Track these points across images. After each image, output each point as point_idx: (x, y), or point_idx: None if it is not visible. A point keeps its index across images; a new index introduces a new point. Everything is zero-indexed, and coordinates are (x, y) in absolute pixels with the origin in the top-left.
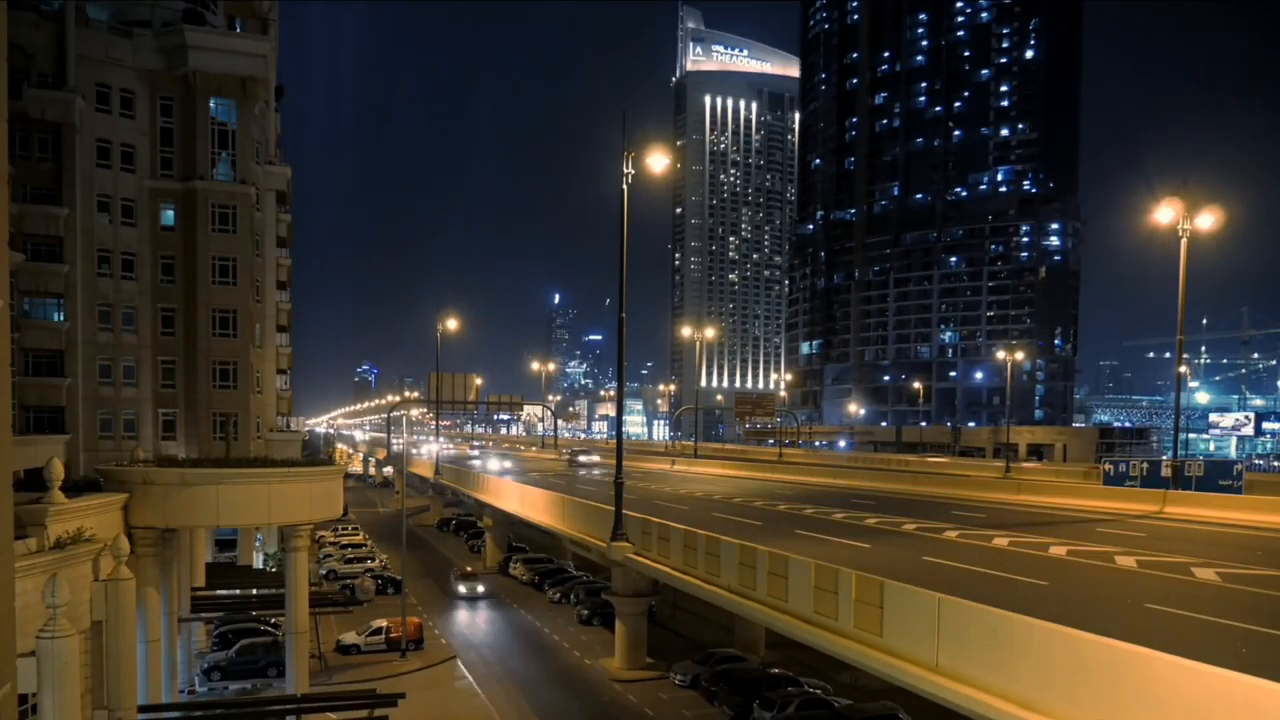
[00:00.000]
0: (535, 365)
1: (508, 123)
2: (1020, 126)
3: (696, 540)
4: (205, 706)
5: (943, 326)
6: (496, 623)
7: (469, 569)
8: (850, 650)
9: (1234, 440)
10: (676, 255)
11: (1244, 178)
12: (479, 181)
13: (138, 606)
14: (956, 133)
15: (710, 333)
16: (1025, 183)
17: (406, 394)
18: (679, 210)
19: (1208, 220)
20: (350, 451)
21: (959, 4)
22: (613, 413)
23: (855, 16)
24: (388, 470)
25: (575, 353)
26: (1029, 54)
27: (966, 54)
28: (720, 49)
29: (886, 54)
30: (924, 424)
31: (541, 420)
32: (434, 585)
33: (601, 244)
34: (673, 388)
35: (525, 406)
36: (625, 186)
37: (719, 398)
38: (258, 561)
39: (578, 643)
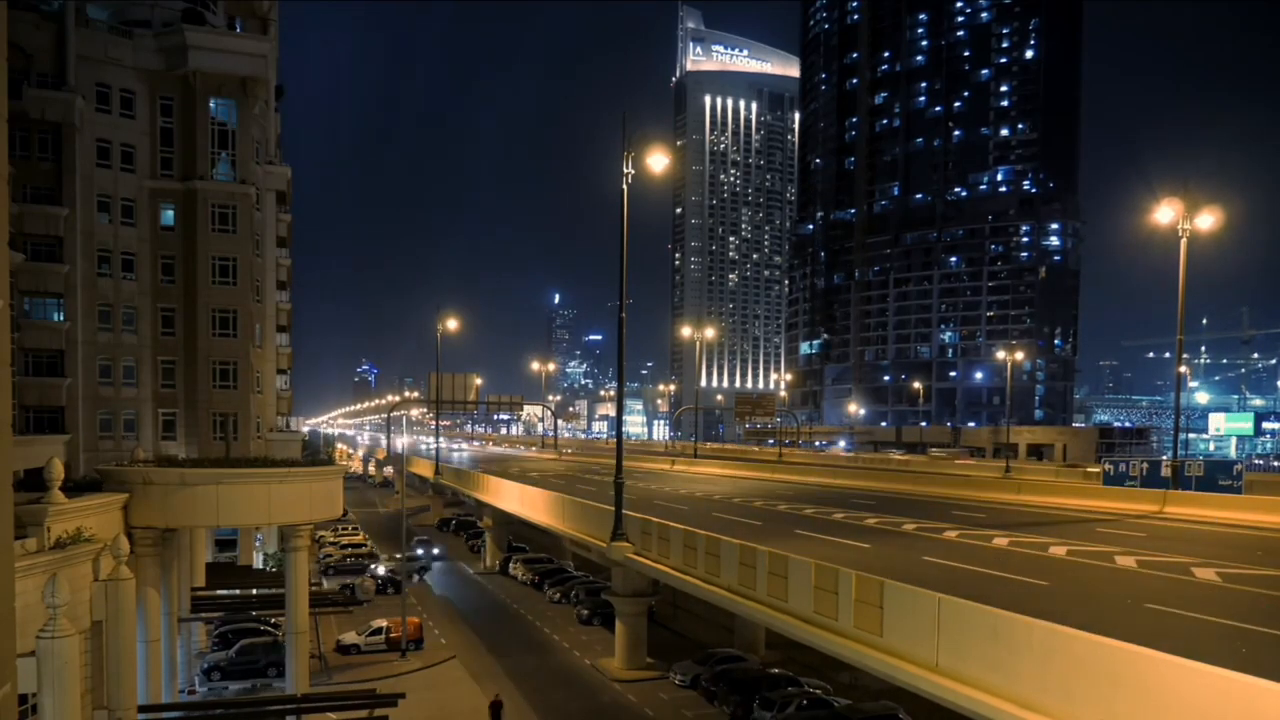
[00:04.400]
0: (535, 365)
1: (508, 122)
2: (1020, 126)
3: (696, 540)
4: (205, 706)
5: (943, 326)
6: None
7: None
8: (850, 650)
9: (1234, 440)
10: (676, 255)
11: (1244, 177)
12: (479, 181)
13: (138, 606)
14: (956, 133)
15: (710, 333)
16: (1025, 183)
17: (406, 394)
18: (679, 210)
19: (1207, 220)
20: (350, 451)
21: (959, 4)
22: (613, 413)
23: (855, 16)
24: (388, 470)
25: (575, 353)
26: (1029, 54)
27: (966, 54)
28: (720, 49)
29: (886, 54)
30: (924, 424)
31: (541, 420)
32: (434, 585)
33: (602, 244)
34: (673, 388)
35: (525, 406)
36: (625, 186)
37: (719, 398)
38: (258, 561)
39: (578, 643)
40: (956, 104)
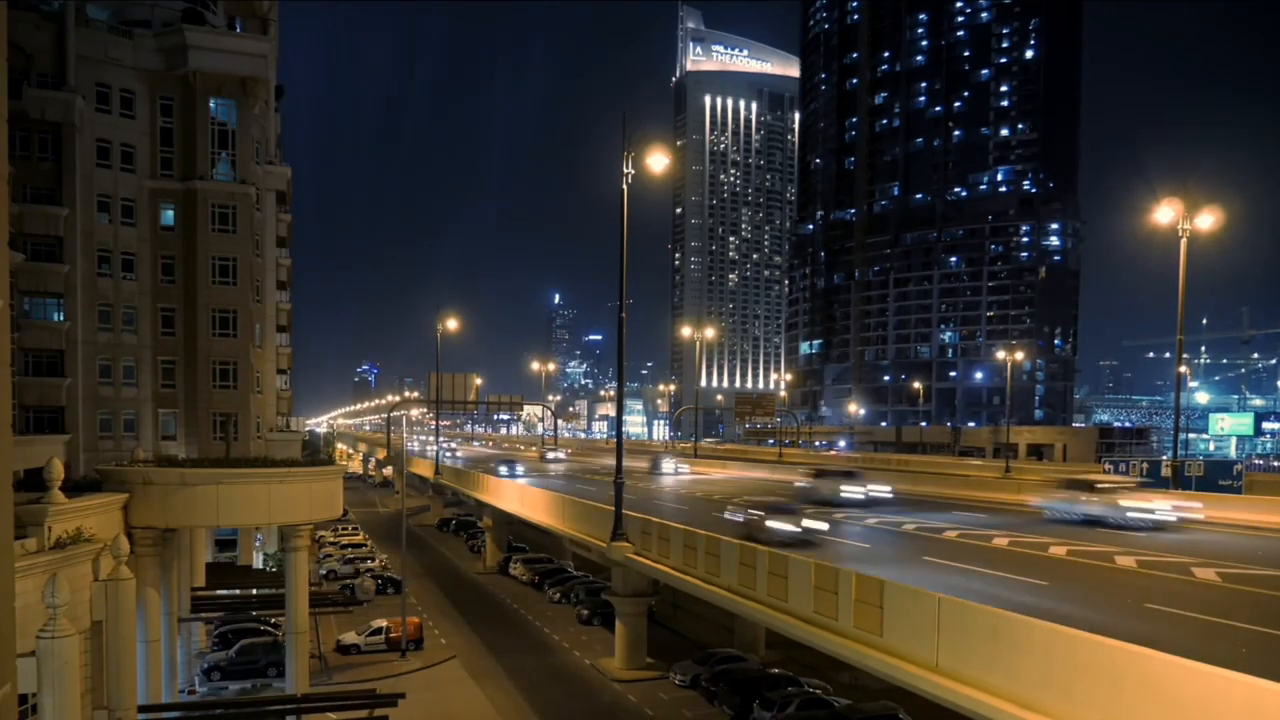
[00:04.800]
0: (535, 365)
1: (508, 122)
2: (1020, 126)
3: (696, 540)
4: (205, 706)
5: (943, 326)
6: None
7: None
8: (850, 650)
9: (1234, 440)
10: (676, 255)
11: (1244, 178)
12: (479, 181)
13: (138, 606)
14: (956, 133)
15: (710, 333)
16: (1025, 183)
17: (406, 394)
18: (679, 210)
19: (1207, 220)
20: (350, 451)
21: (959, 4)
22: (613, 413)
23: (855, 16)
24: (388, 470)
25: (575, 353)
26: (1029, 54)
27: (966, 54)
28: (720, 49)
29: (886, 54)
30: (924, 424)
31: (541, 420)
32: (434, 585)
33: (602, 244)
34: (673, 388)
35: (525, 406)
36: (625, 186)
37: (719, 398)
38: (258, 561)
39: (578, 643)
40: (956, 104)
